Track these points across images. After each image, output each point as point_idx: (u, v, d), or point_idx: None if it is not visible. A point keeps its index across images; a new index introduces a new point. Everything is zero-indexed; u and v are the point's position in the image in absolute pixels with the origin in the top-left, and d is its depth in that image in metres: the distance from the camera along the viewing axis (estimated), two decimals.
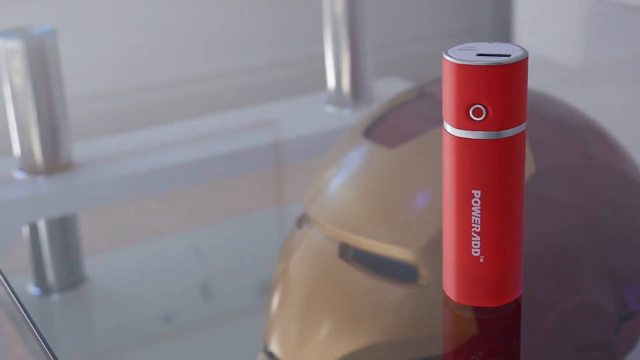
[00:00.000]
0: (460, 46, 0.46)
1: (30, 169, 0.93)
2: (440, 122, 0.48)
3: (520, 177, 0.48)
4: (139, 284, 0.86)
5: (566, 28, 1.27)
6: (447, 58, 0.45)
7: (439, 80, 0.72)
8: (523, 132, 0.46)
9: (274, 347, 0.61)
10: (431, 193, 0.58)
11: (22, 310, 0.63)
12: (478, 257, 0.49)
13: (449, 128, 0.46)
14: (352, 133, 0.67)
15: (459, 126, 0.45)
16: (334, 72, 1.10)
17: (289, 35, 1.43)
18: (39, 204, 0.92)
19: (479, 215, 0.47)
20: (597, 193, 0.63)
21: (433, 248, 0.56)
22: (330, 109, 1.10)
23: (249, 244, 0.91)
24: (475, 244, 0.48)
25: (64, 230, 0.93)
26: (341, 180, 0.64)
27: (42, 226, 0.91)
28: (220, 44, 1.39)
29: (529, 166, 0.60)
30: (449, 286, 0.51)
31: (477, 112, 0.44)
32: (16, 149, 0.94)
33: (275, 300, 0.63)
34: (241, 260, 0.89)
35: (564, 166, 0.64)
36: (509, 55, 0.44)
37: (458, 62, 0.44)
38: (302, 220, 0.65)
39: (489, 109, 0.44)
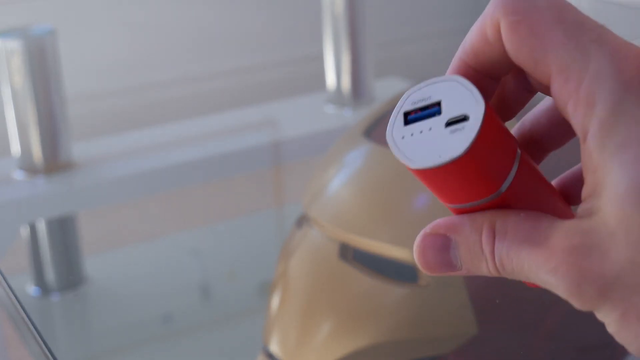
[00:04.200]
0: (395, 114, 0.32)
1: (30, 169, 0.93)
2: None
3: None
4: (138, 284, 0.86)
5: None
6: (403, 161, 0.31)
7: None
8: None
9: (274, 348, 0.60)
10: (431, 193, 0.58)
11: (21, 310, 0.63)
12: None
13: None
14: (352, 133, 0.67)
15: None
16: (334, 71, 1.10)
17: (289, 35, 1.43)
18: (38, 204, 0.92)
19: None
20: None
21: None
22: (330, 109, 1.10)
23: (249, 244, 0.90)
24: None
25: (64, 230, 0.93)
26: (341, 180, 0.64)
27: (41, 226, 0.91)
28: (221, 44, 1.38)
29: None
30: None
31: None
32: (16, 149, 0.94)
33: (275, 301, 0.63)
34: (241, 260, 0.89)
35: (564, 165, 0.64)
36: (467, 118, 0.30)
37: (416, 167, 0.31)
38: (302, 221, 0.65)
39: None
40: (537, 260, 0.29)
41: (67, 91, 0.97)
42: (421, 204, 0.58)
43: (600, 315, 0.28)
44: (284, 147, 1.05)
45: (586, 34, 0.29)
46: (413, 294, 0.56)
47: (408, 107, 0.32)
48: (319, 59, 1.14)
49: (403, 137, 0.31)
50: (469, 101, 0.30)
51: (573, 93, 0.29)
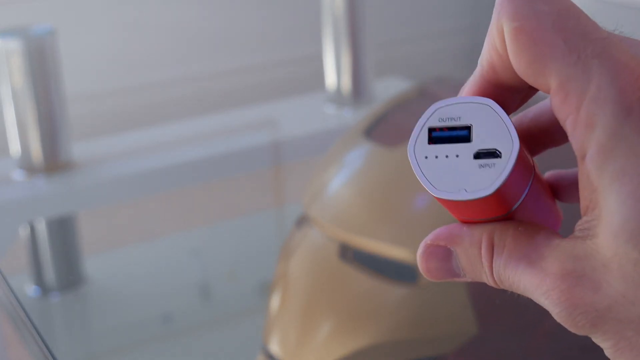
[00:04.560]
0: (417, 131, 0.30)
1: (30, 169, 0.93)
2: None
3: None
4: (138, 284, 0.86)
5: None
6: (433, 192, 0.30)
7: (439, 80, 0.72)
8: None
9: (274, 348, 0.60)
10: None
11: (21, 310, 0.63)
12: None
13: None
14: (352, 133, 0.67)
15: None
16: (334, 71, 1.10)
17: (289, 35, 1.43)
18: (38, 204, 0.92)
19: None
20: None
21: None
22: (330, 109, 1.10)
23: (249, 244, 0.90)
24: None
25: (64, 230, 0.93)
26: (341, 180, 0.64)
27: (41, 226, 0.91)
28: (221, 44, 1.38)
29: None
30: None
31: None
32: (16, 148, 0.94)
33: (275, 301, 0.63)
34: (241, 260, 0.89)
35: (564, 165, 0.64)
36: (498, 154, 0.29)
37: (439, 196, 0.30)
38: (302, 221, 0.65)
39: None
40: (531, 281, 0.29)
41: (67, 91, 0.97)
42: (421, 204, 0.58)
43: (595, 341, 0.28)
44: (284, 147, 1.05)
45: (589, 46, 0.28)
46: (413, 294, 0.56)
47: (434, 122, 0.30)
48: (319, 59, 1.14)
49: (426, 157, 0.30)
50: (501, 134, 0.29)
51: (573, 111, 0.28)
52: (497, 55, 0.29)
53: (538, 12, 0.28)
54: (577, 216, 0.29)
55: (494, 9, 0.29)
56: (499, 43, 0.29)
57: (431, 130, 0.30)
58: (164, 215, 1.00)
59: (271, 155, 1.05)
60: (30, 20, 1.06)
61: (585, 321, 0.27)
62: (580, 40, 0.28)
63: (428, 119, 0.30)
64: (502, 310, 0.52)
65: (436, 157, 0.30)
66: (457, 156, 0.29)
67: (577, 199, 0.34)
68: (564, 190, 0.34)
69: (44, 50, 0.91)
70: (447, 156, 0.29)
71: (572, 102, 0.28)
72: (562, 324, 0.28)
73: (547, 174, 0.35)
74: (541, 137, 0.33)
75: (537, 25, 0.28)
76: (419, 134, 0.30)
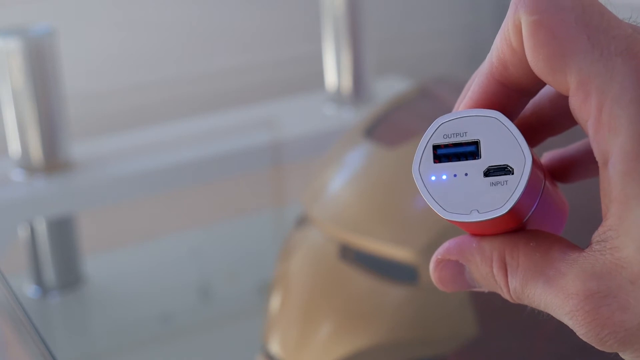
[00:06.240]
0: (421, 151, 0.29)
1: (30, 169, 0.93)
2: None
3: None
4: (138, 285, 0.86)
5: None
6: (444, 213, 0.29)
7: (440, 80, 0.72)
8: None
9: (274, 348, 0.60)
10: None
11: (20, 310, 0.63)
12: None
13: None
14: (352, 133, 0.67)
15: None
16: (335, 70, 1.10)
17: (289, 34, 1.42)
18: (38, 204, 0.92)
19: None
20: (598, 192, 0.63)
21: (433, 248, 0.56)
22: (330, 109, 1.10)
23: (249, 245, 0.90)
24: None
25: (63, 230, 0.93)
26: (341, 180, 0.64)
27: (41, 226, 0.91)
28: (220, 43, 1.38)
29: None
30: None
31: None
32: (15, 148, 0.94)
33: (275, 301, 0.63)
34: (241, 261, 0.89)
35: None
36: (509, 170, 0.28)
37: (450, 218, 0.29)
38: (302, 221, 0.65)
39: None
40: (552, 301, 0.27)
41: (67, 91, 0.97)
42: (421, 204, 0.57)
43: (622, 356, 0.27)
44: (284, 147, 1.05)
45: (612, 43, 0.26)
46: (413, 294, 0.56)
47: (438, 139, 0.28)
48: (319, 59, 1.14)
49: (434, 178, 0.28)
50: (512, 148, 0.27)
51: (594, 112, 0.26)
52: (511, 51, 0.27)
53: (560, 5, 0.26)
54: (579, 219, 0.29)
55: (511, 2, 0.27)
56: (514, 37, 0.27)
57: (436, 147, 0.28)
58: (163, 215, 1.00)
59: (271, 155, 1.05)
60: (30, 20, 1.06)
61: (613, 341, 0.26)
62: (604, 37, 0.26)
63: (432, 135, 0.29)
64: (502, 311, 0.52)
65: (444, 177, 0.28)
66: (466, 174, 0.28)
67: (579, 178, 0.32)
68: (565, 172, 0.33)
69: (43, 50, 0.91)
70: (455, 175, 0.28)
71: (593, 102, 0.26)
72: (589, 342, 0.27)
73: (545, 156, 0.33)
74: (540, 128, 0.32)
75: (560, 20, 0.26)
76: (423, 152, 0.29)
